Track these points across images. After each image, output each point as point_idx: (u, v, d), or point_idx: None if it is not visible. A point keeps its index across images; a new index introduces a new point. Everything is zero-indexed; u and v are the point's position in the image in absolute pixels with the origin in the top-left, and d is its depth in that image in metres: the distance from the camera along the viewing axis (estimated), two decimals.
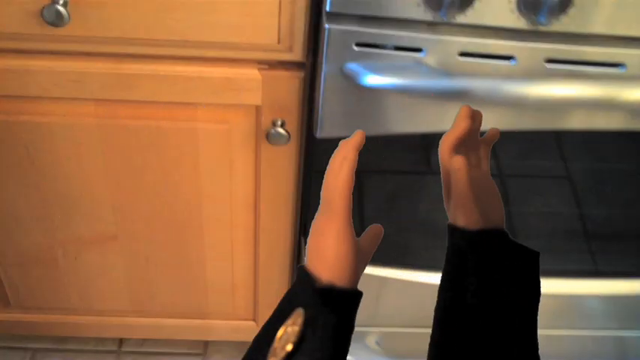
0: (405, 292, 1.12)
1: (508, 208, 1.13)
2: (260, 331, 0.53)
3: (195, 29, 0.83)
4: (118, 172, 1.00)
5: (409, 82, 0.83)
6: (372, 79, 0.82)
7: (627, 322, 1.25)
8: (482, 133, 0.68)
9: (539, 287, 0.60)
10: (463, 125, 0.63)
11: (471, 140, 0.65)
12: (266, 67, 0.89)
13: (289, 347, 0.50)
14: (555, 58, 0.83)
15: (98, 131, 0.94)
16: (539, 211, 1.13)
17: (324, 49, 0.82)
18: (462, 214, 0.61)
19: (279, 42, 0.84)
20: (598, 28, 0.80)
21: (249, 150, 0.97)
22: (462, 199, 0.61)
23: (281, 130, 0.92)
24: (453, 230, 0.62)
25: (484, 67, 0.83)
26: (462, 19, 0.79)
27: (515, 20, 0.79)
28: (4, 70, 0.87)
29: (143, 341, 1.39)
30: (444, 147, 0.64)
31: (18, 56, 0.86)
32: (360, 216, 1.05)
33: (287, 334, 0.51)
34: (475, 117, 0.65)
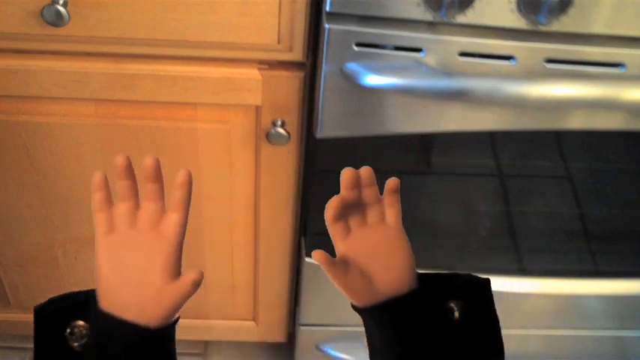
0: None
1: (508, 208, 1.13)
2: None
3: (195, 29, 0.83)
4: None
5: (409, 82, 0.83)
6: (372, 79, 0.82)
7: (627, 322, 1.25)
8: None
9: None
10: (343, 195, 0.62)
11: (367, 196, 0.63)
12: (266, 67, 0.89)
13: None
14: (555, 58, 0.83)
15: (98, 131, 0.94)
16: (539, 211, 1.13)
17: (324, 49, 0.82)
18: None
19: (279, 42, 0.84)
20: (598, 28, 0.80)
21: (249, 150, 0.97)
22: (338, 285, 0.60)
23: (281, 130, 0.92)
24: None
25: (484, 67, 0.83)
26: (462, 19, 0.79)
27: (515, 20, 0.79)
28: (4, 70, 0.87)
29: None
30: (327, 217, 0.62)
31: (18, 56, 0.87)
32: None
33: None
34: (358, 181, 0.63)
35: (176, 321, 0.58)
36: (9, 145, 0.95)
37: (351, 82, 0.83)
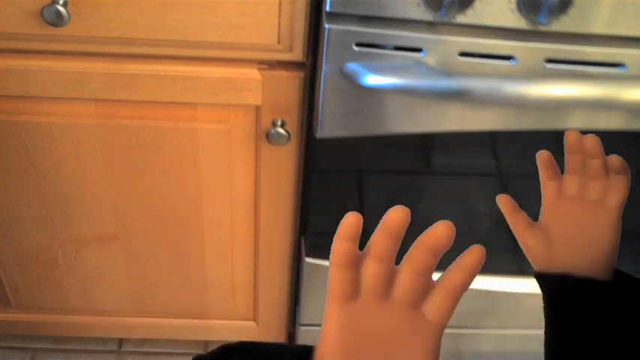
0: None
1: None
2: None
3: (195, 29, 0.83)
4: (118, 172, 1.00)
5: (409, 82, 0.83)
6: (372, 79, 0.82)
7: None
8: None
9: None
10: (567, 158, 0.59)
11: (591, 168, 0.58)
12: (266, 67, 0.89)
13: None
14: (555, 58, 0.83)
15: (98, 131, 0.94)
16: (540, 211, 1.13)
17: (324, 49, 0.82)
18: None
19: (279, 42, 0.84)
20: (598, 28, 0.80)
21: (249, 150, 0.97)
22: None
23: (281, 130, 0.92)
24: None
25: (484, 67, 0.83)
26: (462, 19, 0.79)
27: (515, 20, 0.79)
28: (4, 70, 0.87)
29: (143, 341, 1.39)
30: (539, 161, 0.61)
31: (18, 56, 0.87)
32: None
33: None
34: (583, 147, 0.58)
35: None
36: (9, 145, 0.95)
37: (351, 82, 0.83)
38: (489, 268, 1.15)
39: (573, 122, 0.90)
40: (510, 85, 0.83)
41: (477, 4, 0.78)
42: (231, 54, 0.87)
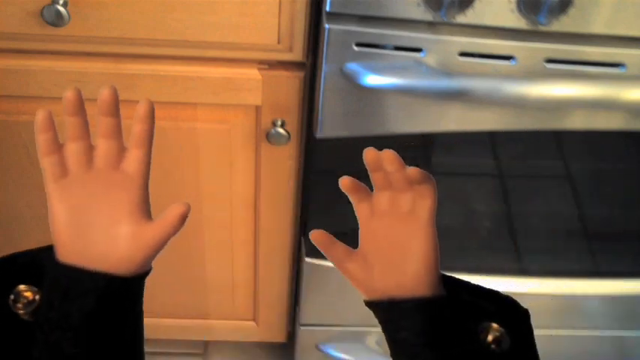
0: None
1: (508, 208, 1.13)
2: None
3: (195, 29, 0.83)
4: None
5: (409, 82, 0.83)
6: (372, 79, 0.82)
7: (627, 322, 1.25)
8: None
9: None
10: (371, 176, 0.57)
11: (395, 181, 0.57)
12: (266, 67, 0.89)
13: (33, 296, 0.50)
14: (555, 58, 0.83)
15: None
16: (539, 211, 1.13)
17: (324, 49, 0.82)
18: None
19: (279, 42, 0.84)
20: (598, 28, 0.80)
21: (249, 150, 0.97)
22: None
23: (281, 130, 0.92)
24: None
25: (484, 67, 0.83)
26: (462, 19, 0.79)
27: (515, 20, 0.79)
28: (4, 70, 0.87)
29: None
30: (344, 189, 0.58)
31: (18, 56, 0.87)
32: None
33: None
34: (382, 164, 0.57)
35: (148, 272, 0.53)
36: (9, 145, 0.95)
37: (351, 82, 0.83)
38: (489, 268, 1.16)
39: (573, 122, 0.90)
40: (510, 85, 0.83)
41: (477, 4, 0.78)
42: (231, 54, 0.87)
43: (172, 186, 1.02)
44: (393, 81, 0.83)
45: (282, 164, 0.99)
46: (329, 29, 0.81)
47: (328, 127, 0.90)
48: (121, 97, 0.90)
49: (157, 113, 0.94)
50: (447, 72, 0.83)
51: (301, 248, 1.11)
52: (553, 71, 0.83)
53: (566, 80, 0.84)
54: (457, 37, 0.81)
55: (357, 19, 0.81)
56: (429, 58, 0.82)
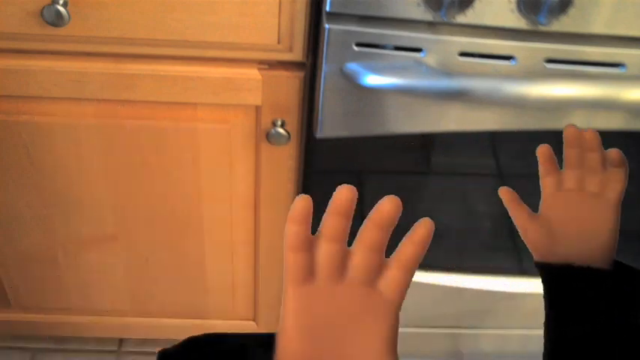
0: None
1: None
2: None
3: (195, 29, 0.83)
4: (118, 172, 1.00)
5: (409, 82, 0.83)
6: (372, 79, 0.82)
7: None
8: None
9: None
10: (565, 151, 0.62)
11: (590, 161, 0.61)
12: (266, 67, 0.89)
13: None
14: (555, 58, 0.83)
15: (98, 131, 0.94)
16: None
17: (324, 49, 0.82)
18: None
19: (279, 42, 0.84)
20: (598, 28, 0.80)
21: (249, 150, 0.97)
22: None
23: (281, 130, 0.92)
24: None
25: (484, 67, 0.83)
26: (462, 19, 0.79)
27: (515, 20, 0.79)
28: (4, 70, 0.87)
29: (143, 341, 1.39)
30: (539, 157, 0.62)
31: (18, 56, 0.86)
32: (360, 216, 1.05)
33: None
34: (581, 141, 0.61)
35: None
36: (9, 145, 0.95)
37: (351, 82, 0.83)
38: (489, 268, 1.16)
39: (573, 122, 0.90)
40: (510, 85, 0.83)
41: (477, 4, 0.78)
42: (231, 54, 0.87)
43: (172, 186, 1.02)
44: (393, 81, 0.83)
45: (282, 164, 0.99)
46: (329, 29, 0.81)
47: (328, 127, 0.90)
48: (121, 97, 0.91)
49: (157, 113, 0.94)
50: (447, 72, 0.83)
51: None
52: (553, 71, 0.83)
53: (566, 80, 0.84)
54: (457, 37, 0.81)
55: (357, 19, 0.81)
56: (429, 58, 0.82)
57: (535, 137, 0.99)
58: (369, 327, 0.43)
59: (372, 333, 0.43)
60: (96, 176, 1.00)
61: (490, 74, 0.83)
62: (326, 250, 0.43)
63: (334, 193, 0.43)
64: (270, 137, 0.93)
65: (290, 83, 0.89)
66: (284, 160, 0.98)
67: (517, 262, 1.16)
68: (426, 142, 1.01)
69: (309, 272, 0.43)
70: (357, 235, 0.44)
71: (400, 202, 0.43)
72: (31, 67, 0.87)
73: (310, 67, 0.89)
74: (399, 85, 0.83)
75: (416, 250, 0.44)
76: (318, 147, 0.95)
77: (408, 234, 0.44)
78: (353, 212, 0.43)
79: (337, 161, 1.02)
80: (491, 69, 0.83)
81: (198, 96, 0.90)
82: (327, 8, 0.80)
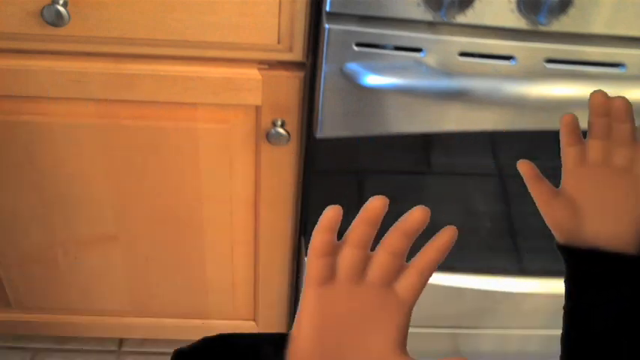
0: None
1: (508, 208, 1.13)
2: None
3: (195, 29, 0.83)
4: (119, 172, 1.00)
5: (409, 82, 0.83)
6: (372, 79, 0.82)
7: None
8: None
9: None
10: (590, 119, 0.55)
11: (619, 132, 0.54)
12: (266, 67, 0.89)
13: None
14: (555, 58, 0.83)
15: (98, 131, 0.94)
16: (540, 211, 1.13)
17: (324, 49, 0.82)
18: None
19: (279, 42, 0.84)
20: (598, 28, 0.80)
21: (249, 150, 0.97)
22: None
23: (281, 130, 0.92)
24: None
25: (484, 67, 0.83)
26: (462, 19, 0.79)
27: (515, 20, 0.79)
28: (4, 70, 0.87)
29: (143, 341, 1.39)
30: (562, 127, 0.57)
31: (18, 56, 0.86)
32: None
33: None
34: (609, 110, 0.54)
35: None
36: (9, 145, 0.95)
37: (351, 82, 0.83)
38: (489, 268, 1.15)
39: None
40: (510, 85, 0.83)
41: (477, 4, 0.78)
42: (231, 54, 0.87)
43: (172, 186, 1.02)
44: (393, 81, 0.83)
45: (282, 164, 0.99)
46: (329, 29, 0.81)
47: (328, 127, 0.90)
48: (121, 97, 0.91)
49: (157, 113, 0.94)
50: (447, 72, 0.83)
51: (301, 248, 1.11)
52: (553, 71, 0.83)
53: (566, 80, 0.84)
54: (457, 37, 0.81)
55: (357, 19, 0.81)
56: (429, 58, 0.82)
57: (535, 137, 0.99)
58: (383, 325, 0.44)
59: (385, 330, 0.44)
60: (96, 176, 1.00)
61: (490, 74, 0.83)
62: (349, 255, 0.44)
63: (367, 201, 0.44)
64: (270, 137, 0.93)
65: (290, 83, 0.89)
66: (284, 160, 0.98)
67: (517, 262, 1.16)
68: (426, 142, 1.01)
69: (330, 275, 0.44)
70: (382, 240, 0.45)
71: (430, 213, 0.44)
72: (31, 67, 0.87)
73: (310, 67, 0.89)
74: (399, 85, 0.83)
75: (436, 257, 0.45)
76: (318, 147, 0.95)
77: (432, 239, 0.45)
78: (380, 222, 0.44)
79: (337, 161, 1.02)
80: (491, 69, 0.83)
81: (198, 96, 0.90)
82: (327, 8, 0.80)
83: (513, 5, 0.78)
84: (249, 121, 0.94)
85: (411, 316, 0.46)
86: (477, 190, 1.11)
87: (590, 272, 0.55)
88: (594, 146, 0.56)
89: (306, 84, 0.90)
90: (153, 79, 0.88)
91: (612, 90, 0.84)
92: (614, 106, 0.54)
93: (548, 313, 1.21)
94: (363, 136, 0.90)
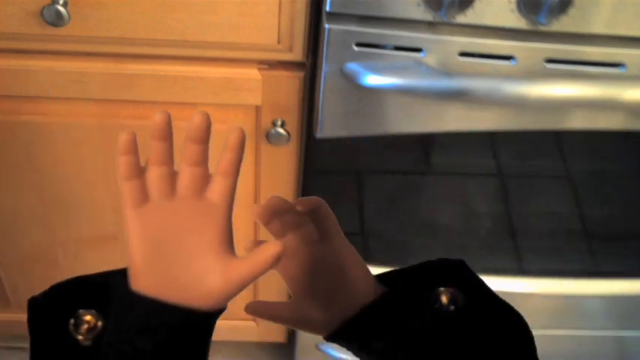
0: None
1: (508, 208, 1.13)
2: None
3: (195, 29, 0.83)
4: None
5: (409, 82, 0.83)
6: (372, 79, 0.82)
7: (627, 322, 1.25)
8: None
9: None
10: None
11: (288, 220, 0.59)
12: (266, 67, 0.89)
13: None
14: (555, 58, 0.83)
15: (98, 131, 0.94)
16: (539, 211, 1.13)
17: (324, 49, 0.82)
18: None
19: (279, 42, 0.84)
20: (598, 28, 0.80)
21: (249, 150, 0.97)
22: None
23: (281, 130, 0.92)
24: None
25: (484, 67, 0.83)
26: (462, 19, 0.79)
27: (515, 20, 0.79)
28: (4, 70, 0.87)
29: None
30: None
31: (18, 56, 0.87)
32: (360, 217, 1.05)
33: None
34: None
35: (224, 309, 0.51)
36: (9, 145, 0.95)
37: (351, 82, 0.83)
38: (489, 268, 1.15)
39: (573, 122, 0.90)
40: (510, 85, 0.83)
41: (477, 4, 0.78)
42: (231, 54, 0.87)
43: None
44: (393, 81, 0.83)
45: (282, 164, 0.99)
46: (329, 29, 0.81)
47: (328, 127, 0.90)
48: (121, 97, 0.91)
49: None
50: (447, 72, 0.83)
51: None
52: (553, 71, 0.83)
53: (566, 80, 0.84)
54: (457, 37, 0.81)
55: (357, 19, 0.81)
56: (429, 58, 0.82)
57: (535, 137, 0.99)
58: (202, 230, 0.48)
59: (205, 235, 0.48)
60: (96, 176, 1.00)
61: (490, 74, 0.83)
62: (155, 172, 0.48)
63: (153, 120, 0.49)
64: (270, 137, 0.93)
65: (290, 83, 0.89)
66: (284, 160, 0.98)
67: (517, 262, 1.16)
68: (426, 142, 1.01)
69: (143, 196, 0.48)
70: (181, 156, 0.49)
71: (205, 115, 0.48)
72: (31, 67, 0.87)
73: (310, 67, 0.89)
74: (399, 85, 0.83)
75: (232, 156, 0.49)
76: (318, 147, 0.95)
77: (224, 143, 0.49)
78: (172, 135, 0.49)
79: (337, 161, 1.02)
80: (492, 69, 0.83)
81: (198, 96, 0.90)
82: (327, 8, 0.80)
83: (513, 5, 0.78)
84: (249, 121, 0.94)
85: (231, 219, 0.50)
86: (477, 190, 1.11)
87: (361, 338, 0.54)
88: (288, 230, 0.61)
89: (306, 84, 0.90)
90: (153, 79, 0.88)
91: (612, 90, 0.84)
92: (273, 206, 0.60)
93: (548, 313, 1.21)
94: (363, 136, 0.90)
